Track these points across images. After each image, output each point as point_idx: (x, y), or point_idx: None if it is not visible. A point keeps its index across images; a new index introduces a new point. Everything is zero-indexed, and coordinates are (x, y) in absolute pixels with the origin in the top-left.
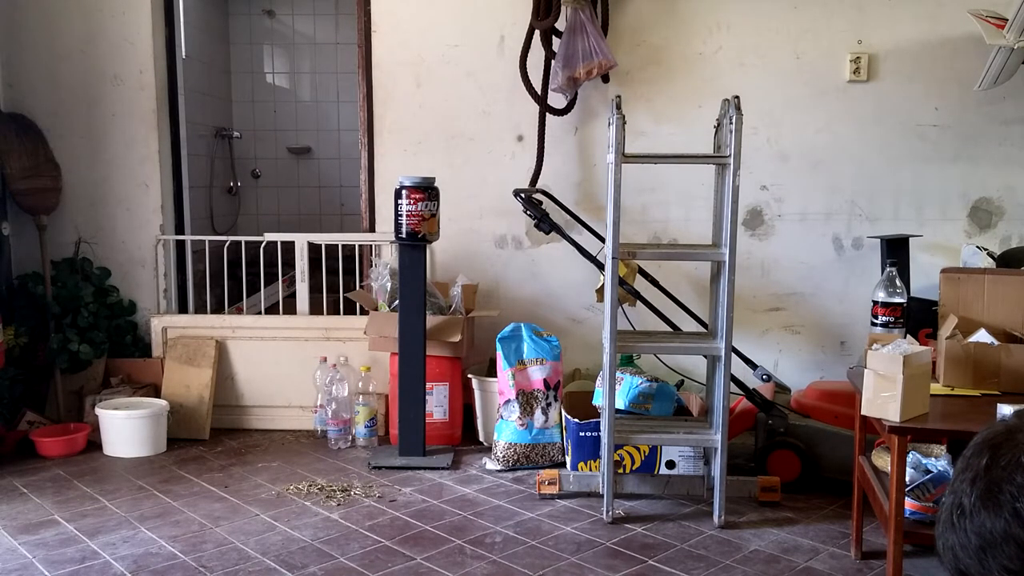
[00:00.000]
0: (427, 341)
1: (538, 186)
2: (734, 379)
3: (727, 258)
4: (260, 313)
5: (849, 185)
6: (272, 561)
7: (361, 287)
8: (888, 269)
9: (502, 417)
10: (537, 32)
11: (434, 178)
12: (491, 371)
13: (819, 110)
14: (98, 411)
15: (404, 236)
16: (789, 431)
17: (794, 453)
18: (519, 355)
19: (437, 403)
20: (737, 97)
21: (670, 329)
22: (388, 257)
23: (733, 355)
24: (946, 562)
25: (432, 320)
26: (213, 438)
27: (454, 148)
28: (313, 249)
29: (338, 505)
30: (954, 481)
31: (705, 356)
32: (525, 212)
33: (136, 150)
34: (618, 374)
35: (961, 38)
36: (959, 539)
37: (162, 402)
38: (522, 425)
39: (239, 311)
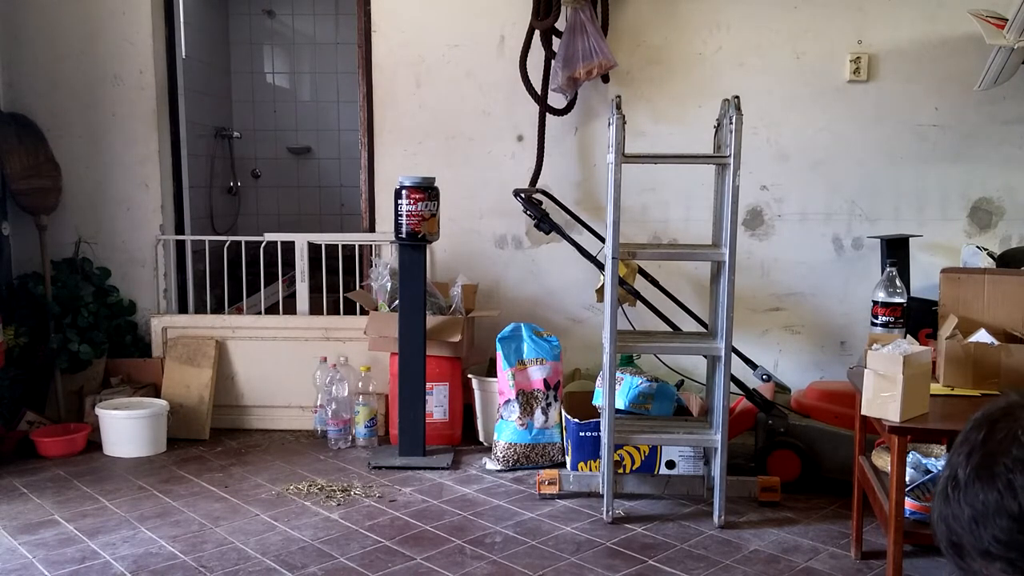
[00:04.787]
0: (427, 341)
1: (538, 186)
2: (734, 379)
3: (727, 258)
4: (260, 313)
5: (849, 185)
6: (272, 561)
7: (361, 287)
8: (888, 269)
9: (502, 417)
10: (537, 32)
11: (434, 178)
12: (491, 371)
13: (819, 110)
14: (98, 411)
15: (404, 236)
16: (789, 431)
17: (794, 453)
18: (519, 355)
19: (437, 403)
20: (737, 97)
21: (670, 329)
22: (388, 257)
23: (733, 355)
24: (939, 533)
25: (432, 320)
26: (213, 438)
27: (454, 148)
28: (313, 249)
29: (338, 505)
30: (951, 455)
31: (705, 356)
32: (525, 212)
33: (136, 150)
34: (618, 374)
35: (961, 38)
36: (952, 510)
37: (162, 402)
38: (522, 425)
39: (239, 311)
